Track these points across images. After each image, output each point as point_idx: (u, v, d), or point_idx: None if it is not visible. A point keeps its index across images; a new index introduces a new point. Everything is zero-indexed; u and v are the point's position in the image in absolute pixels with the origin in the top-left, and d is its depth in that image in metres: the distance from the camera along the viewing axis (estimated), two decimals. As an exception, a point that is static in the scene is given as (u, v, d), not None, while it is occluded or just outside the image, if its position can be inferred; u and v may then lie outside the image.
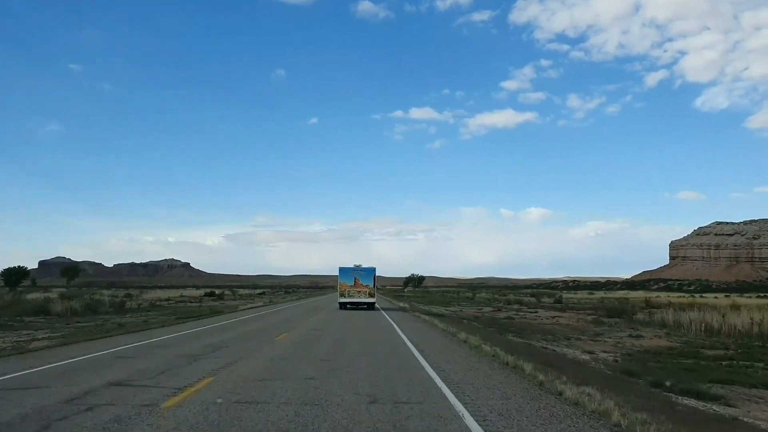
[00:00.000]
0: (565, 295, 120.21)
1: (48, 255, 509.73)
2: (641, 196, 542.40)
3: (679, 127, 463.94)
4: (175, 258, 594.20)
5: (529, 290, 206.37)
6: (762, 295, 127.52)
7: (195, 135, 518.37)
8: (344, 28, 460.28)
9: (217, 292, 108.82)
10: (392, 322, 30.84)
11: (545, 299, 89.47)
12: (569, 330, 32.92)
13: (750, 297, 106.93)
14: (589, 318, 43.22)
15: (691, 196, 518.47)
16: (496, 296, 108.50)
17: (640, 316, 41.17)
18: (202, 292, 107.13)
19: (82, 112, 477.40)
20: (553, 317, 45.07)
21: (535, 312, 53.42)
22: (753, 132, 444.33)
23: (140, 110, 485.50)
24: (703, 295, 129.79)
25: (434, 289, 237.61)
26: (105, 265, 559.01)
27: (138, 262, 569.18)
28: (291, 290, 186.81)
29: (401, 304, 63.99)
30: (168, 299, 75.82)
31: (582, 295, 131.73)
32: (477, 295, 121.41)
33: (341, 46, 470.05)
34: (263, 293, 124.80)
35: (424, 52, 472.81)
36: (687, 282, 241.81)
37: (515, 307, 65.08)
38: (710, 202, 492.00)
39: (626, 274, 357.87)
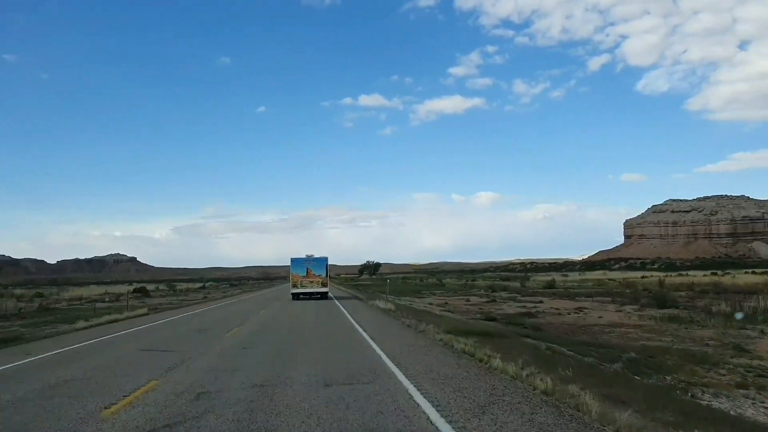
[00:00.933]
0: (535, 278, 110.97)
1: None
2: (586, 179, 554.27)
3: (622, 111, 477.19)
4: (121, 252, 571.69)
5: (490, 273, 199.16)
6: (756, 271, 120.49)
7: (141, 125, 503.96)
8: (291, 14, 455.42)
9: (149, 287, 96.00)
10: (370, 341, 19.07)
11: (515, 284, 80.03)
12: (651, 336, 21.49)
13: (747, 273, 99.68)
14: (647, 313, 31.24)
15: (634, 178, 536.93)
16: (467, 282, 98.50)
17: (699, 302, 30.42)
18: (132, 287, 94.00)
19: (19, 103, 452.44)
20: (581, 310, 34.17)
21: (539, 302, 42.44)
22: (692, 114, 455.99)
23: (81, 100, 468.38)
24: (682, 273, 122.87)
25: (392, 275, 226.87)
26: (47, 261, 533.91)
27: (82, 257, 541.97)
28: (239, 282, 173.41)
29: (360, 297, 52.73)
30: (81, 299, 64.42)
31: (555, 277, 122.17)
32: (443, 280, 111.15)
33: (288, 33, 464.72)
34: (203, 287, 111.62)
35: (371, 38, 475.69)
36: (648, 260, 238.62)
37: (504, 295, 54.02)
38: (652, 183, 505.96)
39: (578, 255, 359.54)
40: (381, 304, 33.84)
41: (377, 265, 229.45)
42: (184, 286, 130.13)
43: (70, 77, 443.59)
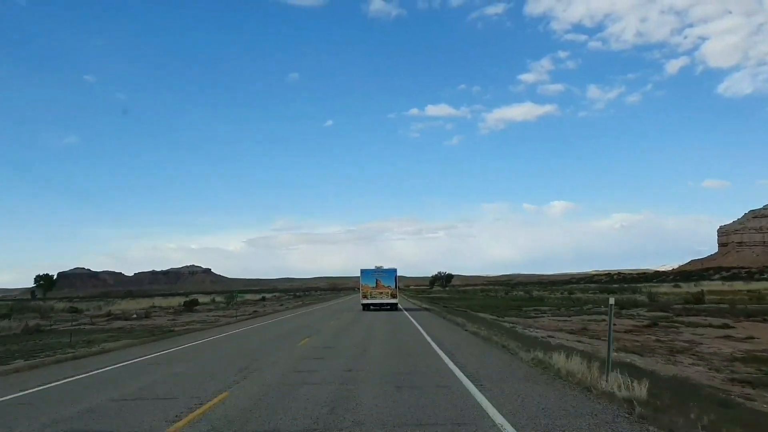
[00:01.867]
0: (649, 290, 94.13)
1: (70, 266, 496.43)
2: (665, 186, 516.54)
3: (702, 115, 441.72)
4: (196, 264, 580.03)
5: (575, 285, 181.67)
6: None
7: (213, 141, 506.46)
8: (356, 28, 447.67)
9: (203, 299, 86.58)
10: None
11: (625, 296, 64.62)
12: None
13: None
14: None
15: (716, 184, 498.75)
16: (569, 295, 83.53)
17: None
18: (184, 299, 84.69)
19: (98, 123, 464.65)
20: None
21: (728, 326, 27.78)
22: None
23: (156, 118, 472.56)
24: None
25: (466, 287, 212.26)
26: (125, 274, 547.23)
27: (159, 269, 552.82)
28: (303, 293, 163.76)
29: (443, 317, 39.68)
30: (111, 315, 54.35)
31: (665, 289, 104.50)
32: (532, 293, 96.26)
33: (354, 47, 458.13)
34: (262, 298, 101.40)
35: (438, 48, 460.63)
36: (755, 270, 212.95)
37: (644, 313, 38.54)
38: (736, 190, 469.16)
39: (659, 265, 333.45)
40: (474, 327, 21.44)
41: (449, 277, 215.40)
42: (247, 297, 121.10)
43: (145, 97, 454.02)
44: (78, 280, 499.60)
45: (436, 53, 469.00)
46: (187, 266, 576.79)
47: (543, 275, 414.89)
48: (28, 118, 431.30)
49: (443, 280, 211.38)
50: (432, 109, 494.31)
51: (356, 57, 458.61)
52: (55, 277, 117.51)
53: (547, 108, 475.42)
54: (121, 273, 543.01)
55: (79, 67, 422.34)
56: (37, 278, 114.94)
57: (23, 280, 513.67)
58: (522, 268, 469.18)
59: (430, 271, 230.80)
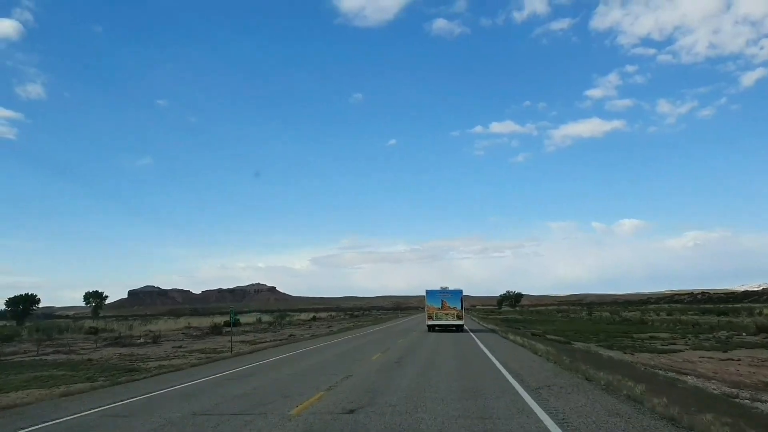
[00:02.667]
0: (736, 312, 79.24)
1: (141, 284, 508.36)
2: (741, 203, 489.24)
3: None
4: (261, 282, 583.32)
5: (653, 305, 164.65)
6: None
7: (280, 162, 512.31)
8: (419, 47, 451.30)
9: (244, 320, 78.29)
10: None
11: (727, 319, 51.67)
12: None
13: None
14: None
15: None
16: (650, 316, 70.32)
17: None
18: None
19: (170, 145, 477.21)
20: None
21: None
22: None
23: (225, 140, 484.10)
24: None
25: (537, 308, 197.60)
26: (193, 292, 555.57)
27: (225, 287, 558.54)
28: (363, 313, 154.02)
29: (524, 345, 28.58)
30: (147, 335, 46.56)
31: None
32: (620, 313, 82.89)
33: (417, 66, 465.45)
34: (312, 318, 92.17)
35: (502, 65, 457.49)
36: None
37: None
38: None
39: (738, 285, 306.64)
40: (605, 375, 11.13)
41: (518, 296, 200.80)
42: (300, 317, 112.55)
43: (214, 120, 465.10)
44: (147, 297, 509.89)
45: (501, 70, 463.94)
46: (252, 284, 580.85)
47: (614, 295, 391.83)
48: (105, 141, 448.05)
49: (512, 299, 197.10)
50: (497, 127, 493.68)
51: (419, 76, 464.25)
52: (104, 294, 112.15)
53: (615, 124, 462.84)
54: (189, 291, 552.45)
55: (152, 91, 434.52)
56: (87, 296, 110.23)
57: (109, 296, 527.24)
58: (591, 287, 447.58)
59: (496, 291, 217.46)
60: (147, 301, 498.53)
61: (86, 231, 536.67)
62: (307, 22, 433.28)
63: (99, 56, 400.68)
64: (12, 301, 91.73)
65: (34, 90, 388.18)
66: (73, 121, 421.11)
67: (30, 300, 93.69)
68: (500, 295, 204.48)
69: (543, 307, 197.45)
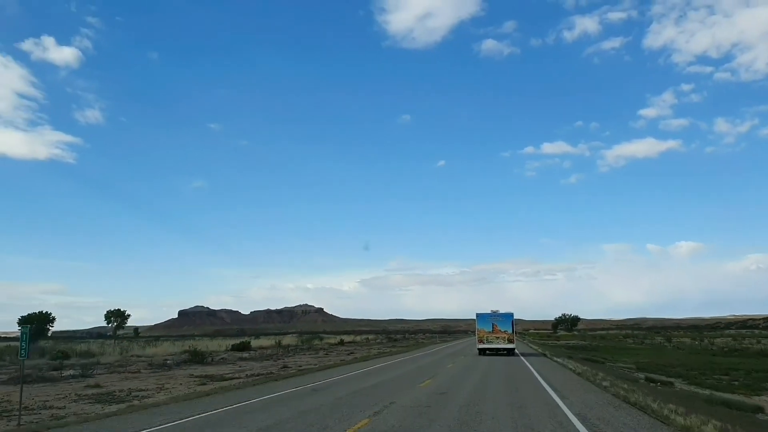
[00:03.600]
0: None
1: (190, 304, 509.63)
2: None
3: None
4: (309, 303, 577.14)
5: (725, 331, 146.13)
6: None
7: (329, 184, 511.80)
8: (469, 68, 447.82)
9: (286, 340, 68.17)
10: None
11: None
12: None
13: None
14: None
15: None
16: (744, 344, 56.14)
17: None
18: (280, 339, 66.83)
19: (222, 168, 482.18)
20: None
21: None
22: None
23: (274, 163, 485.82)
24: None
25: (595, 332, 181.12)
26: (242, 312, 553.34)
27: (273, 308, 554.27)
28: (405, 337, 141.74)
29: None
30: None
31: None
32: (709, 340, 68.43)
33: (466, 87, 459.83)
34: (340, 342, 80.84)
35: (553, 85, 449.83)
36: None
37: None
38: None
39: None
40: None
41: (575, 320, 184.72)
42: (330, 339, 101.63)
43: (264, 143, 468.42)
44: (197, 317, 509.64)
45: (551, 90, 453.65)
46: (300, 305, 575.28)
47: (674, 319, 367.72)
48: (160, 164, 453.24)
49: (568, 323, 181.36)
50: (548, 147, 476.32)
51: (468, 96, 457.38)
52: (126, 313, 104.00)
53: (671, 143, 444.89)
54: (238, 311, 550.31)
55: (205, 115, 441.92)
56: (108, 314, 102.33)
57: (155, 317, 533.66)
58: (647, 311, 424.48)
59: (548, 315, 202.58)
60: (197, 321, 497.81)
61: (141, 252, 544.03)
62: (356, 45, 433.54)
63: (154, 82, 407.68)
64: (25, 320, 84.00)
65: (93, 115, 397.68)
66: (130, 145, 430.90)
67: (44, 319, 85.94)
68: (555, 319, 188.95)
69: (603, 331, 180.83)
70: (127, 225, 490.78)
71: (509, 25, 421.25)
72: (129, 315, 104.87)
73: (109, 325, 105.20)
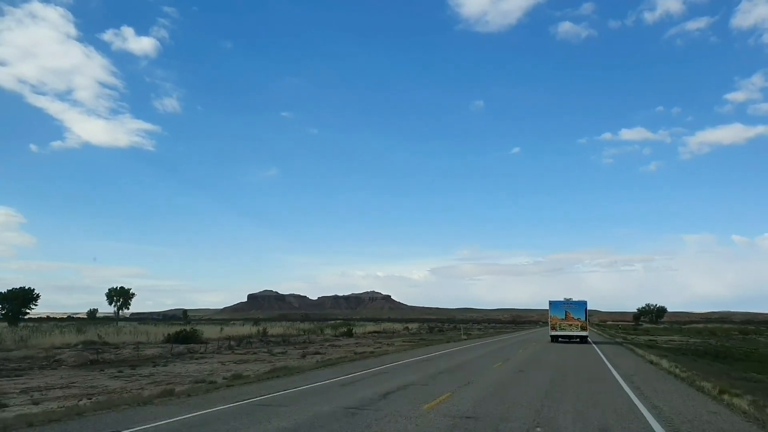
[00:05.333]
0: None
1: (260, 288, 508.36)
2: None
3: None
4: (376, 291, 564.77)
5: None
6: None
7: (400, 171, 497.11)
8: (544, 52, 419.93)
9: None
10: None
11: None
12: None
13: None
14: None
15: None
16: None
17: None
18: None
19: (294, 157, 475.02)
20: None
21: None
22: None
23: (347, 152, 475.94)
24: None
25: (689, 325, 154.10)
26: (310, 297, 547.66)
27: (341, 294, 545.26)
28: (455, 326, 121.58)
29: None
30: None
31: None
32: None
33: (542, 71, 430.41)
34: (369, 332, 62.75)
35: (632, 68, 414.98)
36: None
37: None
38: None
39: None
40: None
41: (661, 311, 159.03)
42: (366, 328, 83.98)
43: (335, 131, 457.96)
44: (265, 301, 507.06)
45: (631, 74, 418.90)
46: (367, 292, 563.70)
47: (763, 314, 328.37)
48: (235, 152, 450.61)
49: (653, 314, 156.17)
50: (627, 133, 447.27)
51: (543, 81, 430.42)
52: (130, 291, 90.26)
53: (760, 129, 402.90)
54: (306, 297, 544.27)
55: (277, 104, 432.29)
56: (110, 293, 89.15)
57: (229, 299, 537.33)
58: (732, 305, 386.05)
59: (626, 306, 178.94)
60: (265, 305, 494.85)
61: (215, 237, 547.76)
62: (427, 29, 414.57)
63: (228, 71, 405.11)
64: (3, 298, 70.73)
65: (170, 104, 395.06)
66: (205, 133, 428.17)
67: (26, 296, 72.38)
68: (638, 310, 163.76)
69: (699, 324, 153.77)
70: (202, 211, 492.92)
71: (587, 7, 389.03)
72: (134, 294, 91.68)
73: (111, 305, 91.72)
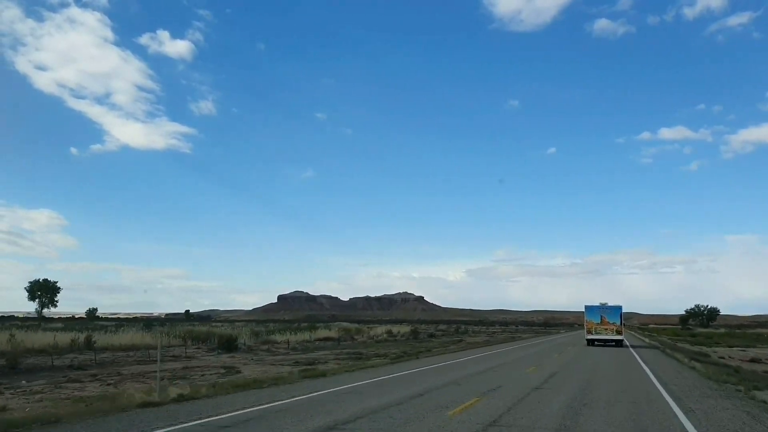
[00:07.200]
0: None
1: (291, 289, 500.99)
2: None
3: None
4: (409, 291, 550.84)
5: None
6: None
7: (434, 172, 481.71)
8: (580, 50, 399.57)
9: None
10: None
11: None
12: None
13: None
14: None
15: None
16: None
17: None
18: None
19: (329, 158, 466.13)
20: None
21: None
22: None
23: (382, 153, 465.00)
24: None
25: (741, 330, 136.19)
26: (341, 298, 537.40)
27: (372, 295, 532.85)
28: (466, 329, 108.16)
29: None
30: None
31: None
32: None
33: (578, 69, 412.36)
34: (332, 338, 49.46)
35: (672, 65, 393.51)
36: None
37: None
38: None
39: None
40: None
41: (713, 313, 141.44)
42: (380, 329, 71.02)
43: (369, 132, 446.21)
44: (296, 302, 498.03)
45: (670, 71, 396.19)
46: (400, 293, 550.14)
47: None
48: (270, 154, 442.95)
49: (704, 317, 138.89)
50: (666, 132, 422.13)
51: (580, 79, 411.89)
52: (56, 283, 78.41)
53: None
54: (337, 297, 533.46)
55: (311, 105, 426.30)
56: (33, 288, 77.52)
57: (262, 300, 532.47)
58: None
59: (666, 309, 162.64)
60: (295, 305, 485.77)
61: (252, 239, 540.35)
62: (461, 28, 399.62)
63: (262, 72, 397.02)
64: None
65: (206, 106, 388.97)
66: (241, 134, 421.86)
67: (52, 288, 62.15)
68: (686, 311, 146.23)
69: (754, 329, 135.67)
70: (239, 212, 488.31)
71: (624, 3, 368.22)
72: (60, 289, 79.99)
73: (35, 302, 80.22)
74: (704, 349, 41.36)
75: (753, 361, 28.28)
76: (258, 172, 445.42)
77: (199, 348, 38.20)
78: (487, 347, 43.02)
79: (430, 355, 31.53)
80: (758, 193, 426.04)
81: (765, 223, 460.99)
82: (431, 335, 69.23)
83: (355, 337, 59.61)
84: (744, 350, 41.22)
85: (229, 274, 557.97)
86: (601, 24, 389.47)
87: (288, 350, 38.10)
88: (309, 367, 22.47)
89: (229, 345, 36.37)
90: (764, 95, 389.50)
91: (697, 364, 23.50)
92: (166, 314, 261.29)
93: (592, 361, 26.95)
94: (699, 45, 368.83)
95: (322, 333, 57.66)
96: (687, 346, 45.13)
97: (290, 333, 53.45)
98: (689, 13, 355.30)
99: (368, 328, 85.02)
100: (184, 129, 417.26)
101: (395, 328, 75.96)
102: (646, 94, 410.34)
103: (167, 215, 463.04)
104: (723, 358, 28.19)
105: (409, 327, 75.23)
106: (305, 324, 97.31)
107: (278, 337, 49.07)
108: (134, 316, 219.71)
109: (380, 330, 72.33)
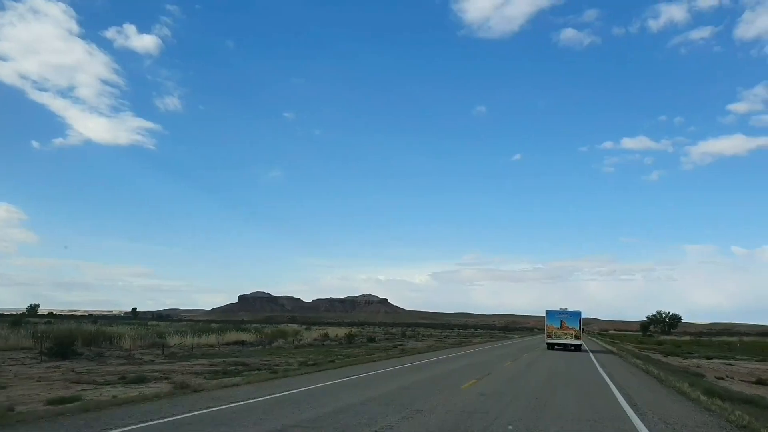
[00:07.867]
0: None
1: (253, 290, 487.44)
2: None
3: None
4: (373, 294, 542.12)
5: None
6: None
7: (402, 175, 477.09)
8: (546, 59, 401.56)
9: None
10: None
11: None
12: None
13: None
14: None
15: None
16: None
17: None
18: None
19: (297, 157, 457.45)
20: None
21: None
22: None
23: (348, 153, 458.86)
24: None
25: (702, 337, 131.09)
26: (303, 300, 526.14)
27: (336, 297, 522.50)
28: (405, 332, 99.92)
29: None
30: None
31: None
32: None
33: (544, 78, 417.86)
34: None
35: (635, 76, 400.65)
36: None
37: None
38: None
39: None
40: None
41: (675, 320, 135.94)
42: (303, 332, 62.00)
43: (338, 133, 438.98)
44: (257, 303, 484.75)
45: (634, 82, 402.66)
46: (363, 295, 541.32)
47: (764, 326, 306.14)
48: (240, 153, 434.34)
49: (665, 324, 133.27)
50: (628, 142, 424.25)
51: (546, 88, 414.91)
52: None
53: (762, 141, 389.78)
54: (300, 299, 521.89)
55: (280, 104, 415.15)
56: None
57: (225, 300, 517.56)
58: (732, 316, 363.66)
59: (625, 315, 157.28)
60: (256, 306, 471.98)
61: (217, 238, 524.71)
62: (431, 34, 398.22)
63: (230, 70, 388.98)
64: None
65: (172, 102, 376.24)
66: (207, 132, 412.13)
67: None
68: (647, 318, 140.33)
69: (705, 337, 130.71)
70: (203, 211, 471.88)
71: (590, 14, 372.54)
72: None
73: None
74: (682, 361, 33.39)
75: (759, 383, 20.11)
76: (224, 171, 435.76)
77: (39, 353, 28.70)
78: (428, 353, 34.46)
79: (343, 365, 22.79)
80: (715, 204, 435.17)
81: (722, 233, 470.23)
82: (370, 339, 60.42)
83: (278, 340, 50.58)
84: (729, 364, 33.40)
85: (193, 274, 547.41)
86: (568, 34, 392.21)
87: (164, 357, 28.86)
88: (107, 388, 13.36)
89: (63, 350, 26.88)
90: (724, 108, 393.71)
91: (717, 402, 15.09)
92: (125, 312, 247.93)
93: (547, 374, 18.69)
94: (662, 57, 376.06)
95: (234, 336, 48.39)
96: (660, 357, 37.30)
97: (204, 335, 44.33)
98: (654, 25, 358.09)
99: (305, 329, 76.30)
100: (148, 125, 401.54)
101: (333, 331, 67.00)
102: (609, 103, 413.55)
103: (131, 212, 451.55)
104: (722, 378, 20.03)
105: (345, 331, 66.37)
106: (263, 325, 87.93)
107: (172, 340, 39.69)
108: (90, 313, 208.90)
109: (314, 334, 63.38)
